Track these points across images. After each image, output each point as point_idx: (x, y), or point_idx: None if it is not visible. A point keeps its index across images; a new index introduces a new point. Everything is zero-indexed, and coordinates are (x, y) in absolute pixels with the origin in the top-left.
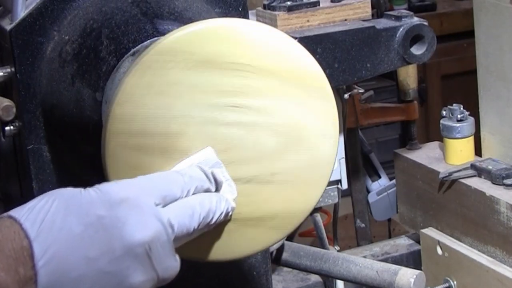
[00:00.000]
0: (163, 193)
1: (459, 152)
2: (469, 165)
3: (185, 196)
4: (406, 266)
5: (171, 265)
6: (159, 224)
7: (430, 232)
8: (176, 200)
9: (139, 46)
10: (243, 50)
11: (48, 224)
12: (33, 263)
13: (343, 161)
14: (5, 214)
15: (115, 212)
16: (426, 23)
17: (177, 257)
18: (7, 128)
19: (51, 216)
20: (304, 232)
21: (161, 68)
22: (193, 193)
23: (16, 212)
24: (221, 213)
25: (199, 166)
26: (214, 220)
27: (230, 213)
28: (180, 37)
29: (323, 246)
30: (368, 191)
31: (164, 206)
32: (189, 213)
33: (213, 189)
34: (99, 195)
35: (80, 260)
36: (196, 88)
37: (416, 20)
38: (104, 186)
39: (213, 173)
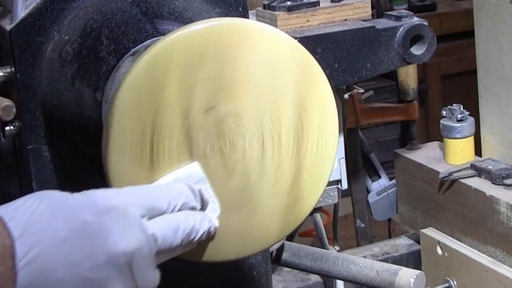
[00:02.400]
0: (150, 206)
1: (459, 152)
2: (469, 165)
3: (171, 211)
4: (406, 266)
5: (151, 278)
6: (143, 236)
7: (430, 232)
8: (162, 214)
9: (139, 46)
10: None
11: (33, 225)
12: (14, 263)
13: (343, 161)
14: None
15: (101, 219)
16: (426, 23)
17: (157, 271)
18: (7, 128)
19: (37, 218)
20: (304, 232)
21: (160, 68)
22: (179, 209)
23: (0, 211)
24: (204, 232)
25: (187, 183)
26: (196, 238)
27: (212, 232)
28: (179, 37)
29: (323, 246)
30: (368, 191)
31: (150, 218)
32: (173, 229)
33: (199, 207)
34: (86, 201)
35: (62, 264)
36: (194, 88)
37: (416, 20)
38: (92, 192)
39: (200, 191)
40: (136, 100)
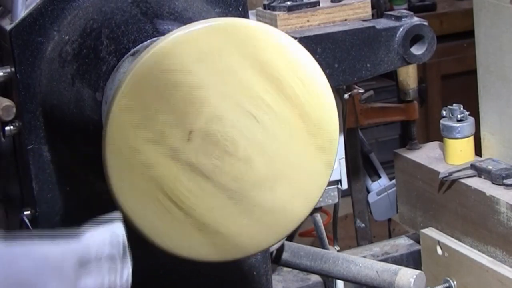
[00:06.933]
0: (80, 257)
1: (459, 152)
2: (469, 165)
3: (98, 261)
4: (406, 266)
5: None
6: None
7: (430, 232)
8: (90, 262)
9: (139, 46)
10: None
11: None
12: None
13: (343, 161)
14: None
15: (36, 270)
16: (426, 23)
17: None
18: (7, 128)
19: None
20: (304, 232)
21: (160, 68)
22: (104, 259)
23: None
24: (125, 282)
25: (111, 235)
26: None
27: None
28: (180, 37)
29: (323, 246)
30: (368, 191)
31: (80, 267)
32: (99, 282)
33: (120, 256)
34: (23, 251)
35: None
36: (194, 88)
37: (416, 20)
38: (29, 244)
39: (123, 245)
40: (136, 100)
